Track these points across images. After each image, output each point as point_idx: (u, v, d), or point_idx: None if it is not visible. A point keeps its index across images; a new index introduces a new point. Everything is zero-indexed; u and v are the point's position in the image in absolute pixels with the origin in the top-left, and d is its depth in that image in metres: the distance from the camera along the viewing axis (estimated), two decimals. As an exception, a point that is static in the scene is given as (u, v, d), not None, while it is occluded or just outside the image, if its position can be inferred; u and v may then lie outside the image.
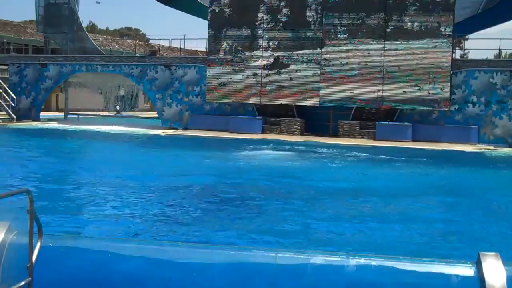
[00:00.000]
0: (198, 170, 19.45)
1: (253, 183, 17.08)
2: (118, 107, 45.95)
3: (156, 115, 39.25)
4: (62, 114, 44.19)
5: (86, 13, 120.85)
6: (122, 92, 45.32)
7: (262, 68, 34.02)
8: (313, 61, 33.12)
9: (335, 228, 11.43)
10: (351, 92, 32.40)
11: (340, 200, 14.70)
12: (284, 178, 17.91)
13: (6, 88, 39.87)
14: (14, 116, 39.02)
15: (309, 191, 15.74)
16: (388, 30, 31.96)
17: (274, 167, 20.66)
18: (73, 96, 43.30)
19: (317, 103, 33.14)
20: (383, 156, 24.66)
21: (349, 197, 15.14)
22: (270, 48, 33.98)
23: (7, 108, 39.31)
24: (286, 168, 20.58)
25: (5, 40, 45.55)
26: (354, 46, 32.50)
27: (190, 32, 78.43)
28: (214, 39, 35.14)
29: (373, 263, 4.71)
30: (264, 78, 33.95)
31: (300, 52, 33.33)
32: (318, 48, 33.05)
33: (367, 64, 32.22)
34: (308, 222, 11.92)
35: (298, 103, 33.61)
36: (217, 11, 35.02)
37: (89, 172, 18.43)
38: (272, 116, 34.33)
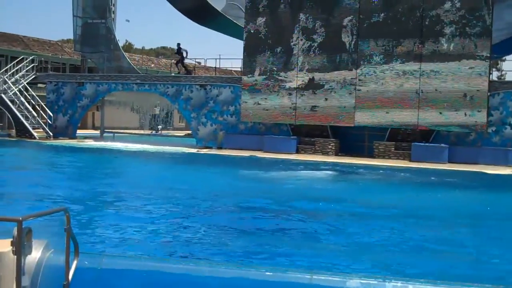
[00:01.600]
0: (246, 191, 19.18)
1: (312, 207, 16.38)
2: (160, 126, 46.34)
3: (191, 134, 39.46)
4: (98, 132, 44.69)
5: (123, 33, 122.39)
6: (157, 110, 45.75)
7: (297, 88, 34.05)
8: (348, 82, 33.05)
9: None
10: (386, 113, 32.23)
11: (428, 225, 13.95)
12: (340, 202, 17.33)
13: (44, 106, 40.54)
14: (51, 134, 39.57)
15: (385, 218, 14.90)
16: (424, 52, 31.77)
17: (323, 189, 20.34)
18: (109, 115, 43.78)
19: (352, 124, 33.03)
20: (434, 178, 24.23)
21: (436, 224, 14.39)
22: (305, 69, 34.00)
23: (44, 126, 39.89)
24: (337, 191, 20.20)
25: (43, 59, 46.31)
26: (389, 68, 32.36)
27: (225, 52, 78.95)
28: (249, 59, 35.31)
29: (410, 286, 4.68)
30: (299, 98, 33.97)
31: (335, 73, 33.29)
32: (353, 69, 32.99)
33: (402, 86, 32.04)
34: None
35: (333, 123, 33.53)
36: (252, 31, 35.21)
37: (134, 190, 18.50)
38: (306, 136, 34.28)
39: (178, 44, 41.11)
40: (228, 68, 52.94)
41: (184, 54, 40.69)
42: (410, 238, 12.72)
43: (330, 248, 11.44)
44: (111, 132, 43.04)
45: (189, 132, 45.96)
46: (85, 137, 41.33)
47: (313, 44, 33.93)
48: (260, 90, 34.78)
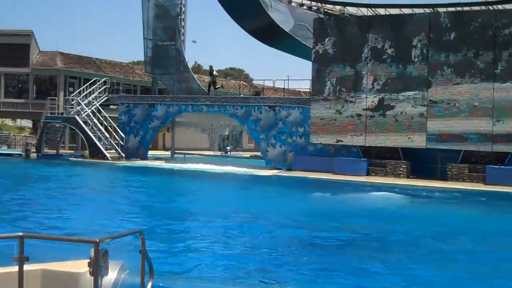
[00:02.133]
0: (322, 215, 18.89)
1: (409, 238, 15.48)
2: (228, 148, 46.66)
3: (255, 155, 39.53)
4: (168, 153, 45.22)
5: (192, 54, 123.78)
6: (226, 132, 46.06)
7: (367, 109, 33.71)
8: (419, 101, 32.52)
9: None
10: (460, 134, 31.51)
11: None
12: (434, 227, 16.71)
13: (116, 127, 41.33)
14: (123, 155, 40.27)
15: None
16: (498, 68, 31.00)
17: (411, 215, 19.87)
18: (179, 135, 44.26)
19: (424, 145, 32.43)
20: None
21: None
22: (375, 89, 33.66)
23: (116, 147, 40.65)
24: (426, 217, 19.54)
25: (115, 80, 47.29)
26: (462, 85, 31.69)
27: (294, 73, 79.02)
28: (318, 80, 35.20)
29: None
30: (369, 119, 33.61)
31: (406, 93, 32.82)
32: (425, 89, 32.45)
33: (476, 105, 31.31)
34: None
35: (404, 145, 33.00)
36: (321, 52, 35.12)
37: (208, 212, 18.55)
38: (377, 158, 33.86)
39: (211, 67, 41.77)
40: (296, 89, 52.93)
41: (215, 74, 41.94)
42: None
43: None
44: (182, 153, 43.46)
45: (255, 153, 46.13)
46: (156, 158, 41.88)
47: (382, 64, 33.58)
48: (329, 111, 34.58)
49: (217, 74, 42.13)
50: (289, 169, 35.42)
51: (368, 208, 20.65)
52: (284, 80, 42.10)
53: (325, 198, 23.47)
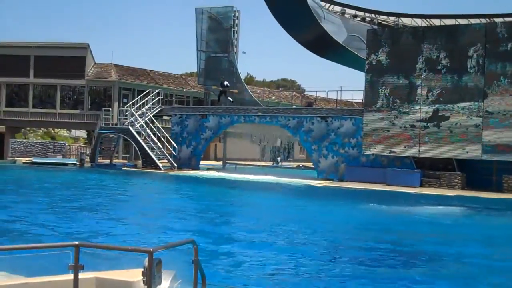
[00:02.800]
0: (380, 228, 18.57)
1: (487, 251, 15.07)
2: (279, 158, 46.71)
3: (311, 166, 39.42)
4: (220, 163, 45.43)
5: (244, 66, 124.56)
6: (278, 142, 46.10)
7: (421, 120, 33.27)
8: (474, 112, 31.95)
9: None
10: (516, 145, 30.83)
11: None
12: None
13: (168, 137, 41.76)
14: (175, 165, 40.63)
15: None
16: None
17: (472, 228, 19.40)
18: (230, 146, 44.45)
19: (479, 156, 31.83)
20: None
21: None
22: (429, 100, 33.20)
23: (169, 157, 41.03)
24: (489, 231, 19.05)
25: (168, 92, 47.81)
26: (519, 98, 31.03)
27: (347, 84, 78.68)
28: (371, 91, 34.91)
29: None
30: (422, 130, 33.17)
31: (461, 104, 32.29)
32: (480, 99, 31.88)
33: (534, 116, 30.60)
34: None
35: (458, 156, 32.46)
36: (374, 62, 34.85)
37: (262, 223, 18.50)
38: (430, 169, 33.37)
39: (223, 78, 41.89)
40: (349, 100, 52.64)
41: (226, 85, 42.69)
42: None
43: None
44: (233, 163, 43.60)
45: (305, 163, 45.96)
46: (208, 168, 42.10)
47: (437, 75, 33.12)
48: (383, 122, 34.26)
49: (228, 84, 42.36)
50: (341, 180, 35.19)
51: (426, 221, 20.33)
52: (337, 91, 41.96)
53: (381, 210, 23.19)
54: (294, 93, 64.07)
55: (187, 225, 17.56)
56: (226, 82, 42.79)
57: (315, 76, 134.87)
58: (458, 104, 32.36)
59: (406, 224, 19.50)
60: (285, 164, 46.13)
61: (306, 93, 66.56)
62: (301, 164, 46.44)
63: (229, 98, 43.11)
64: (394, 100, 34.09)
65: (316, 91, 41.21)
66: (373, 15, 44.81)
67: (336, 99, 43.06)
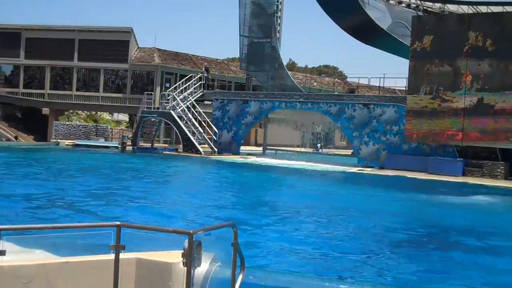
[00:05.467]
0: (432, 217, 18.17)
1: None
2: (319, 145, 46.62)
3: (351, 153, 39.22)
4: (260, 149, 45.45)
5: (287, 51, 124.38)
6: (318, 129, 45.93)
7: (465, 109, 32.76)
8: (520, 102, 31.33)
9: None
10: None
11: None
12: None
13: (209, 122, 41.91)
14: (216, 149, 40.80)
15: None
16: None
17: None
18: (271, 132, 44.42)
19: (524, 147, 31.25)
20: None
21: None
22: (474, 88, 32.65)
23: (209, 142, 41.23)
24: None
25: (210, 76, 47.91)
26: None
27: (390, 71, 77.93)
28: (414, 78, 34.47)
29: None
30: (466, 119, 32.66)
31: (507, 93, 31.69)
32: (527, 88, 31.24)
33: None
34: None
35: (502, 146, 31.93)
36: (418, 49, 34.37)
37: (301, 208, 18.41)
38: (473, 158, 32.91)
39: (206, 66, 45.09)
40: (392, 87, 52.13)
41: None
42: None
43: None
44: (273, 149, 43.61)
45: (334, 150, 45.71)
46: (248, 154, 42.15)
47: (483, 63, 32.53)
48: (426, 110, 33.83)
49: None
50: (382, 168, 34.93)
51: (469, 209, 20.08)
52: (380, 78, 41.37)
53: (425, 198, 22.97)
54: (336, 79, 63.75)
55: (228, 209, 17.64)
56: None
57: (358, 63, 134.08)
58: (503, 93, 31.78)
59: (452, 214, 19.24)
60: (325, 151, 45.96)
61: (348, 79, 66.22)
62: (337, 151, 46.21)
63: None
64: (438, 88, 33.62)
65: (359, 77, 41.08)
66: (418, 2, 44.18)
67: (379, 86, 42.62)
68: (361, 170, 34.23)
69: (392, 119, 35.60)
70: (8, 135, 48.17)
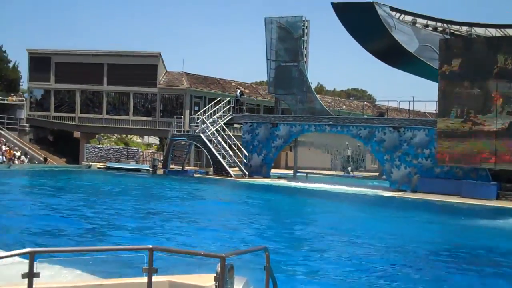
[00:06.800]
0: (474, 244, 17.89)
1: None
2: (350, 168, 46.42)
3: (382, 176, 38.98)
4: (290, 171, 45.35)
5: (314, 75, 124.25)
6: (349, 152, 45.76)
7: (497, 131, 32.41)
8: (554, 124, 30.91)
9: None
10: None
11: None
12: None
13: (239, 145, 42.01)
14: (246, 172, 40.84)
15: None
16: None
17: None
18: (301, 155, 44.34)
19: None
20: None
21: None
22: (505, 111, 32.32)
23: (240, 164, 41.29)
24: None
25: (242, 101, 47.91)
26: None
27: (419, 94, 77.53)
28: (444, 101, 34.22)
29: None
30: (499, 142, 32.28)
31: (540, 115, 31.28)
32: (560, 111, 30.83)
33: None
34: None
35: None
36: (447, 73, 34.17)
37: (336, 233, 18.22)
38: (508, 181, 32.45)
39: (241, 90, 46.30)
40: (422, 110, 51.81)
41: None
42: None
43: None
44: (304, 172, 43.50)
45: (366, 174, 45.42)
46: (279, 177, 42.09)
47: (513, 85, 32.18)
48: (457, 133, 33.53)
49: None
50: (414, 191, 34.62)
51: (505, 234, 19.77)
52: (409, 101, 41.03)
53: (462, 223, 22.67)
54: (365, 102, 63.57)
55: (260, 232, 17.56)
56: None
57: (387, 86, 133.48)
58: (536, 115, 31.37)
59: (489, 238, 18.92)
60: (356, 174, 45.72)
61: (377, 103, 65.98)
62: (370, 174, 45.91)
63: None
64: (469, 111, 33.32)
65: (388, 100, 40.84)
66: (445, 25, 43.95)
67: (408, 109, 42.39)
68: (394, 193, 33.97)
69: (423, 142, 35.35)
70: (41, 158, 48.74)
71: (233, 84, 56.56)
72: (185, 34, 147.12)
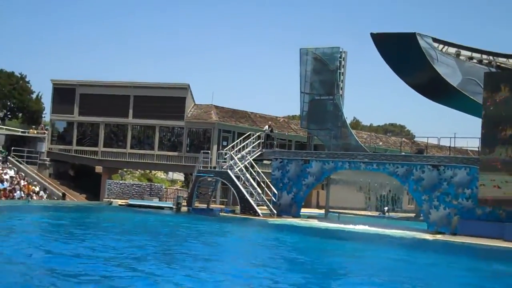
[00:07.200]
0: None
1: None
2: (386, 208, 46.18)
3: (420, 218, 38.68)
4: (322, 211, 45.18)
5: (350, 109, 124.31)
6: (385, 191, 45.53)
7: (544, 171, 32.06)
8: None
9: None
10: None
11: None
12: None
13: (268, 182, 41.94)
14: (275, 211, 40.72)
15: None
16: None
17: None
18: (333, 193, 44.18)
19: None
20: None
21: None
22: (554, 149, 32.00)
23: (268, 203, 41.17)
24: None
25: (274, 136, 47.96)
26: None
27: (461, 129, 77.04)
28: (488, 138, 34.02)
29: None
30: (546, 182, 31.92)
31: None
32: None
33: None
34: None
35: None
36: (491, 108, 34.04)
37: (375, 282, 17.87)
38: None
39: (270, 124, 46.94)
40: (463, 148, 51.50)
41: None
42: None
43: None
44: (336, 212, 43.31)
45: (402, 214, 45.00)
46: (309, 217, 41.91)
47: None
48: (501, 173, 33.21)
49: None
50: (454, 234, 34.27)
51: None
52: (450, 137, 40.81)
53: (504, 270, 22.29)
54: (403, 139, 63.34)
55: (293, 279, 17.24)
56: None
57: (426, 121, 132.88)
58: None
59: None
60: (392, 214, 45.44)
61: (416, 139, 65.66)
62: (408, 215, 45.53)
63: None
64: (514, 149, 33.04)
65: (427, 137, 40.51)
66: (490, 57, 43.79)
67: (449, 146, 42.15)
68: (432, 236, 33.64)
69: (464, 181, 35.08)
70: (60, 193, 49.12)
71: (265, 117, 56.72)
72: (215, 66, 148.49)
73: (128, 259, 18.31)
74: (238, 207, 42.07)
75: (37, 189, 48.12)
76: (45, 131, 57.06)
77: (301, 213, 41.97)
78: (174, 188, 58.91)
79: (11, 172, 48.53)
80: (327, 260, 22.78)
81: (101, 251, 19.98)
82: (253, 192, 41.34)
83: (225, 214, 42.12)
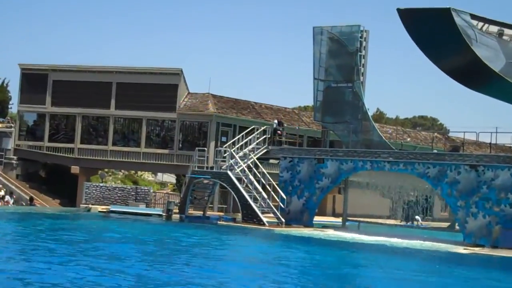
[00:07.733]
0: None
1: None
2: (417, 217, 46.20)
3: (455, 227, 38.74)
4: (339, 220, 45.19)
5: (373, 99, 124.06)
6: (413, 196, 45.48)
7: None
8: None
9: None
10: None
11: None
12: None
13: (276, 186, 41.79)
14: (283, 220, 40.59)
15: None
16: None
17: None
18: (353, 199, 44.12)
19: None
20: None
21: None
22: None
23: (275, 210, 41.05)
24: None
25: (282, 132, 47.74)
26: None
27: (504, 123, 76.90)
28: (536, 133, 34.05)
29: None
30: None
31: None
32: None
33: None
34: None
35: None
36: (541, 97, 34.04)
37: None
38: None
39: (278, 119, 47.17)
40: (506, 145, 51.48)
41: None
42: None
43: None
44: (356, 220, 43.31)
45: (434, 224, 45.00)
46: (324, 226, 41.87)
47: None
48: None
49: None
50: (495, 247, 34.31)
51: None
52: (491, 132, 40.60)
53: None
54: (435, 134, 63.34)
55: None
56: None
57: (463, 114, 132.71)
58: None
59: None
60: (422, 223, 45.44)
61: (450, 134, 65.68)
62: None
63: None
64: None
65: (464, 132, 40.34)
66: (542, 36, 43.84)
67: (490, 143, 42.15)
68: (470, 250, 33.58)
69: (507, 184, 35.07)
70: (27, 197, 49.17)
71: (271, 108, 56.65)
72: (213, 49, 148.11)
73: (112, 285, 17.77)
74: (240, 214, 42.06)
75: (1, 193, 48.19)
76: (12, 125, 57.07)
77: (314, 222, 41.90)
78: (164, 192, 59.06)
79: (-29, 174, 48.69)
80: (357, 283, 22.32)
81: (52, 276, 18.46)
82: (258, 197, 41.28)
83: (224, 222, 42.10)
